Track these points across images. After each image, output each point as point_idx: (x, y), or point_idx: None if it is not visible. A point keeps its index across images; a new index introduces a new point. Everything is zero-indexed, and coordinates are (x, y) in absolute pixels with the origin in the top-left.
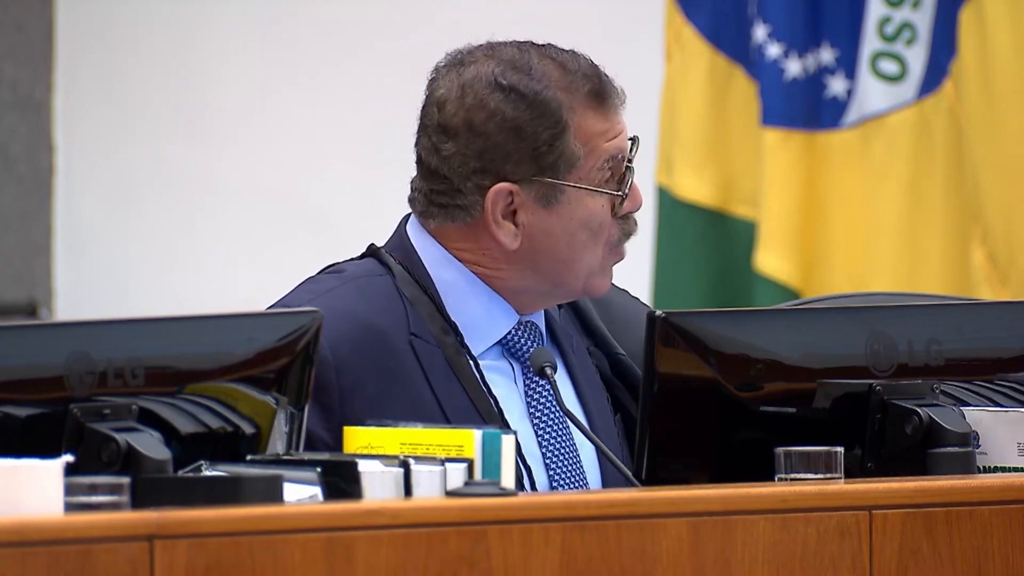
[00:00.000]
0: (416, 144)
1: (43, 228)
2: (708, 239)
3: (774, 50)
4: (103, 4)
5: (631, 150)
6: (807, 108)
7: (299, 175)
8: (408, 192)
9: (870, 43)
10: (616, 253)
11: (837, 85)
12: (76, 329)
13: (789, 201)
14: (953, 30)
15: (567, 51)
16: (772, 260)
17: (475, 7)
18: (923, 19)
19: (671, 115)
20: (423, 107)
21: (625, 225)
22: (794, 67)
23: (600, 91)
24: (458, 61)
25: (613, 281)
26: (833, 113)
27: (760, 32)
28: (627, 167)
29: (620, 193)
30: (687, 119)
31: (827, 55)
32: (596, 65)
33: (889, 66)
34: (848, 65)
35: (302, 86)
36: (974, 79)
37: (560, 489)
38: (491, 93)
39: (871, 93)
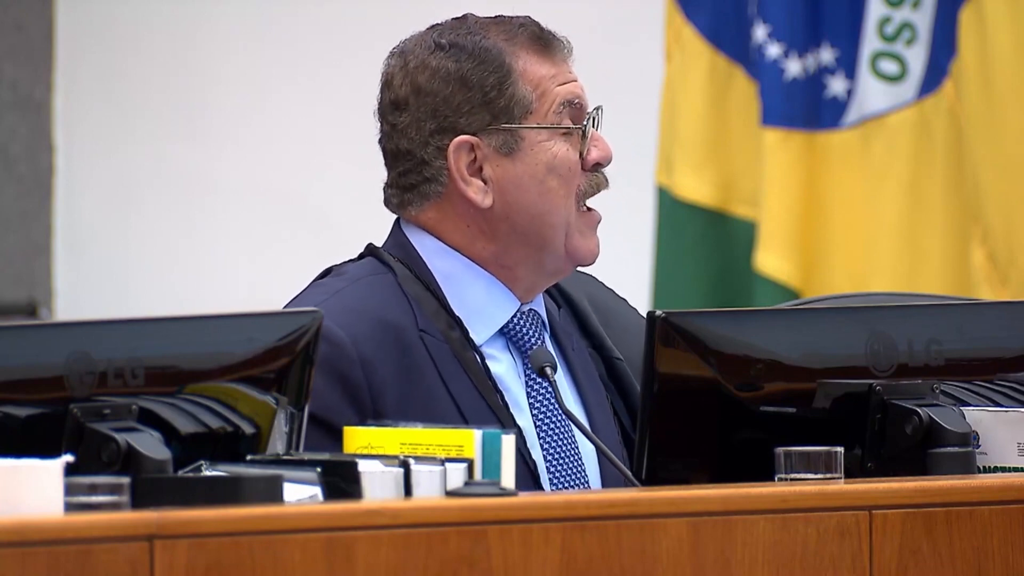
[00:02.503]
0: (379, 140)
1: (43, 228)
2: (708, 239)
3: (774, 50)
4: (103, 4)
5: (595, 116)
6: (807, 108)
7: (299, 175)
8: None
9: (870, 43)
10: (590, 217)
11: (837, 85)
12: (76, 329)
13: (789, 201)
14: (953, 30)
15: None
16: (772, 260)
17: (475, 7)
18: (923, 19)
19: (671, 115)
20: (377, 101)
21: (594, 178)
22: (794, 67)
23: (541, 36)
24: (400, 44)
25: (612, 287)
26: (833, 113)
27: (760, 32)
28: (589, 114)
29: (579, 127)
30: (687, 119)
31: (827, 55)
32: (535, 20)
33: (889, 66)
34: (848, 65)
35: (302, 86)
36: (974, 79)
37: (559, 487)
38: (431, 53)
39: (871, 93)
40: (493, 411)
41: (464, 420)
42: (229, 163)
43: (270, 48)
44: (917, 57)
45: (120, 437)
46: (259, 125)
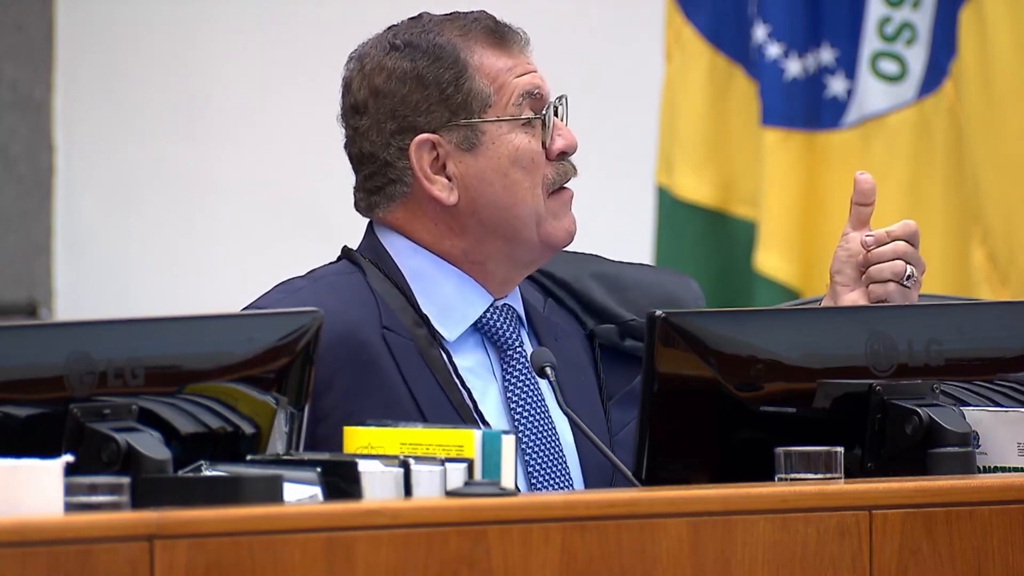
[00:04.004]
0: (344, 145)
1: (43, 228)
2: (708, 239)
3: (774, 50)
4: (103, 4)
5: (559, 104)
6: (807, 108)
7: (299, 175)
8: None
9: (870, 43)
10: (561, 196)
11: (837, 85)
12: (76, 329)
13: (789, 201)
14: (953, 30)
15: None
16: (772, 260)
17: (475, 8)
18: (923, 19)
19: (671, 115)
20: (340, 106)
21: (561, 167)
22: (794, 67)
23: (495, 29)
24: (358, 48)
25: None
26: (833, 113)
27: (760, 32)
28: (551, 103)
29: (539, 116)
30: (687, 119)
31: (827, 55)
32: (490, 13)
33: (889, 66)
34: (848, 65)
35: (302, 86)
36: (974, 79)
37: (540, 486)
38: (387, 55)
39: (871, 93)
40: (455, 408)
41: (423, 417)
42: (229, 163)
43: (270, 48)
44: (917, 57)
45: (120, 437)
46: (259, 125)
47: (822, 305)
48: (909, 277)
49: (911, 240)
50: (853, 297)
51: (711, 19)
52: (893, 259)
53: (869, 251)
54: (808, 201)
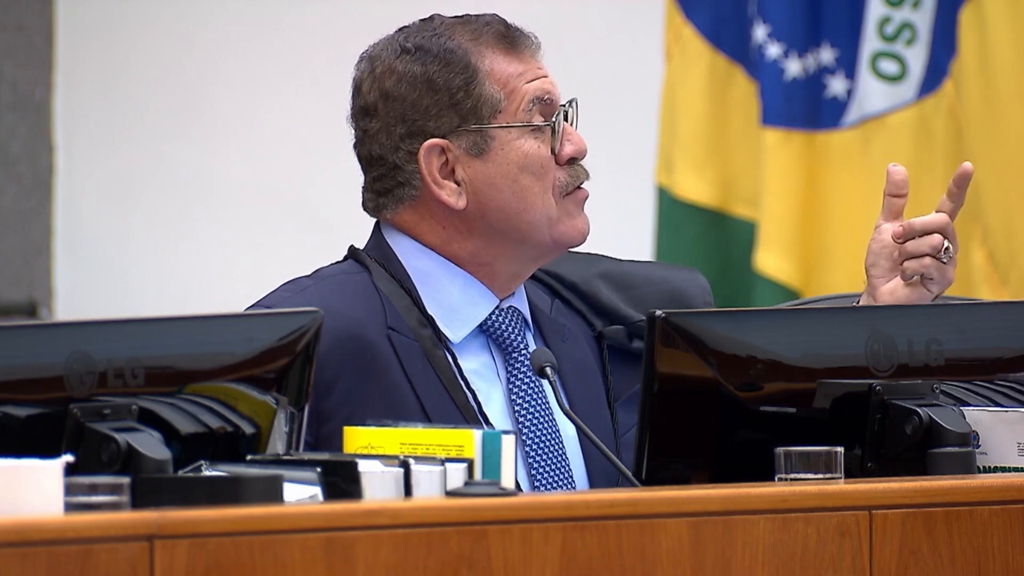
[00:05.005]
0: (353, 146)
1: (43, 228)
2: (708, 239)
3: (774, 50)
4: (103, 4)
5: (568, 108)
6: (807, 108)
7: (299, 175)
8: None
9: (870, 43)
10: (575, 197)
11: (837, 85)
12: (76, 329)
13: (789, 201)
14: (953, 30)
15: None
16: (772, 260)
17: (475, 8)
18: (923, 19)
19: (671, 115)
20: (350, 107)
21: (573, 171)
22: (794, 67)
23: (507, 34)
24: (368, 49)
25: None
26: (833, 113)
27: (760, 32)
28: (561, 108)
29: (548, 123)
30: (687, 119)
31: (827, 55)
32: (501, 16)
33: (889, 66)
34: (848, 65)
35: (302, 86)
36: (974, 79)
37: (543, 487)
38: (398, 58)
39: (871, 93)
40: (459, 409)
41: (427, 417)
42: (229, 163)
43: (270, 48)
44: (917, 57)
45: (120, 437)
46: (259, 125)
47: (861, 301)
48: (946, 251)
49: (944, 230)
50: (890, 287)
51: (711, 19)
52: (931, 232)
53: (898, 242)
54: (808, 201)
